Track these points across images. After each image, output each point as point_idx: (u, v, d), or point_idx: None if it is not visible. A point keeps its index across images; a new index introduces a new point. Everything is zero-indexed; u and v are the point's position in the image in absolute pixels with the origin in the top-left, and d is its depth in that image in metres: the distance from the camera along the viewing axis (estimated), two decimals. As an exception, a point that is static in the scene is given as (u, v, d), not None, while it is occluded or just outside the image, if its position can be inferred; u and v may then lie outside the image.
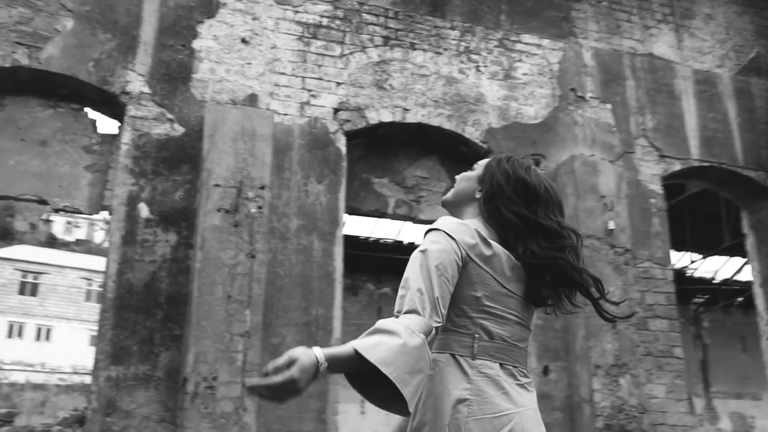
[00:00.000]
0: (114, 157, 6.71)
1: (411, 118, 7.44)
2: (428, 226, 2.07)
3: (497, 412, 1.92)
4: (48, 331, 34.57)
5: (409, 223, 8.07)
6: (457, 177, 2.32)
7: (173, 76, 6.87)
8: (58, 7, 6.77)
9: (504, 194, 2.13)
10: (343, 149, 7.13)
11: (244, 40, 7.17)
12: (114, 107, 6.84)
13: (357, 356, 1.77)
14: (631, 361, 6.87)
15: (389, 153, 7.70)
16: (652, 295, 7.56)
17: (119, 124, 6.81)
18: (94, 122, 6.94)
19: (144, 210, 6.41)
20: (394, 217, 7.66)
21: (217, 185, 6.26)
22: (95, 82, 6.67)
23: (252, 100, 6.97)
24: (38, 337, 34.65)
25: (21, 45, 6.57)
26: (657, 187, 8.12)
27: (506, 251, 2.06)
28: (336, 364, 1.80)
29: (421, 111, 7.48)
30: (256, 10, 7.31)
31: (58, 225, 45.37)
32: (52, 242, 43.65)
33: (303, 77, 7.23)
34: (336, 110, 7.21)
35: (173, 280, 6.26)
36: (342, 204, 6.98)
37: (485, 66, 7.92)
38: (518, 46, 8.14)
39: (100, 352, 5.96)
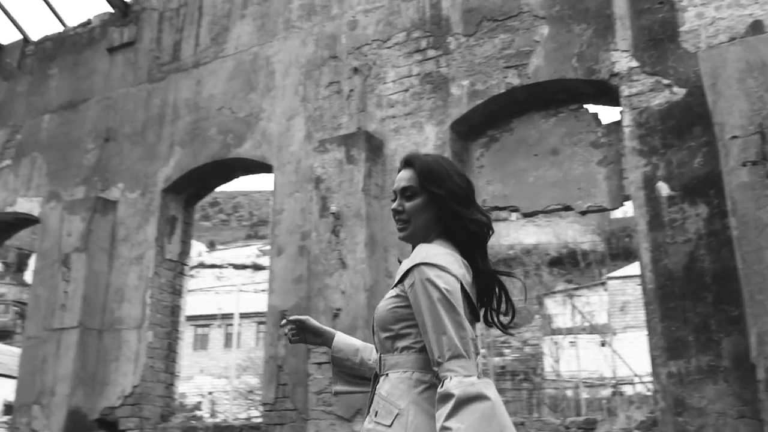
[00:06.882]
0: (622, 144, 6.35)
1: None
2: (413, 261, 1.97)
3: None
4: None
5: None
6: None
7: (658, 38, 6.22)
8: (531, 20, 6.86)
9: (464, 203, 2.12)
10: None
11: (729, -33, 6.09)
12: (608, 94, 6.51)
13: None
14: None
15: None
16: None
17: (619, 108, 6.44)
18: (595, 116, 6.73)
19: (664, 188, 5.84)
20: None
21: (734, 137, 5.33)
22: (582, 76, 6.48)
23: (756, 28, 5.82)
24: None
25: (509, 68, 6.83)
26: None
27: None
28: None
29: None
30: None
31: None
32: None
33: (817, -25, 5.76)
34: None
35: (715, 256, 5.48)
36: None
37: None
38: None
39: (654, 348, 5.53)
